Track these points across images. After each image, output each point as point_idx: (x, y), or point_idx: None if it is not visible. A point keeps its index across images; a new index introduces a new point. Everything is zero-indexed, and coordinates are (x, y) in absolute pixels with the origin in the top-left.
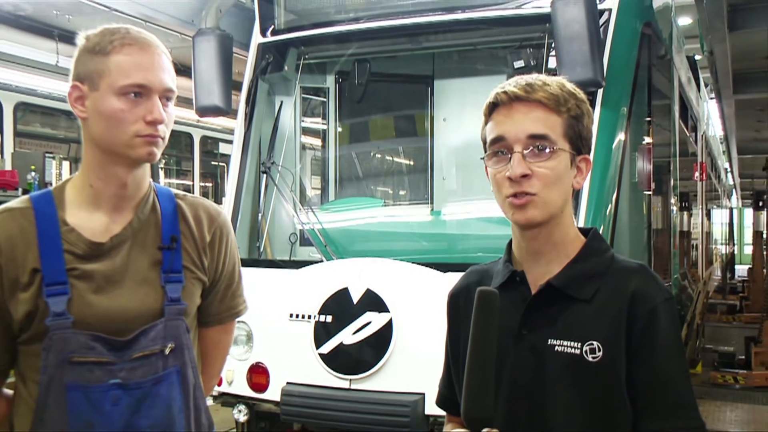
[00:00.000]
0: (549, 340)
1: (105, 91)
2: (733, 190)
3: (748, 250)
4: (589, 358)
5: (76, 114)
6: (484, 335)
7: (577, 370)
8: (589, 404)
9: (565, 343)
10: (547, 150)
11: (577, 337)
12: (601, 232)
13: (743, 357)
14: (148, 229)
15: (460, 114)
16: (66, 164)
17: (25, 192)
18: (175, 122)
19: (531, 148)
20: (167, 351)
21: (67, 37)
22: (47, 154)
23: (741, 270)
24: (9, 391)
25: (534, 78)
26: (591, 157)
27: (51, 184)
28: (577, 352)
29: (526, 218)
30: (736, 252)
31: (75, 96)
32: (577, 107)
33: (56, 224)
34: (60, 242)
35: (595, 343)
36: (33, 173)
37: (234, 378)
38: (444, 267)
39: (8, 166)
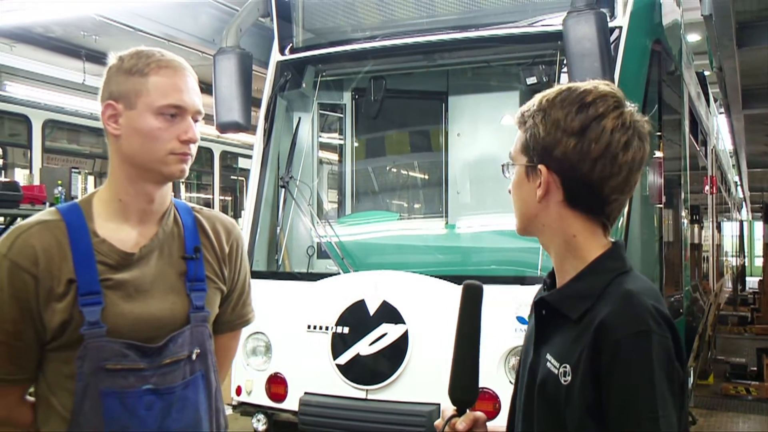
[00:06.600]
0: (547, 354)
1: (142, 110)
2: (743, 203)
3: (759, 262)
4: (562, 380)
5: (109, 131)
6: (468, 325)
7: (553, 389)
8: (559, 425)
9: (552, 360)
10: (507, 165)
11: (559, 356)
12: None
13: (755, 368)
14: (173, 241)
15: (474, 129)
16: (91, 179)
17: (52, 206)
18: None
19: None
20: (194, 356)
21: (93, 56)
22: (73, 169)
23: (752, 282)
24: (31, 399)
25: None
26: None
27: (77, 198)
28: (555, 372)
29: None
30: (746, 264)
31: (108, 114)
32: (532, 119)
33: (88, 236)
34: (92, 253)
35: (567, 366)
36: (60, 188)
37: (253, 388)
38: (458, 279)
39: (36, 181)
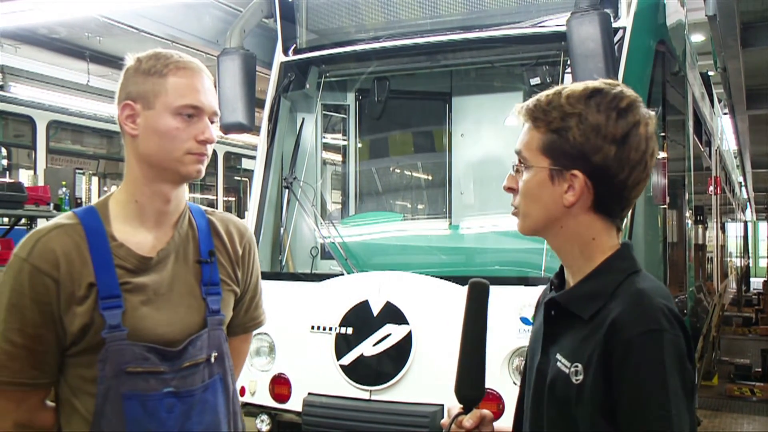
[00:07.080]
0: (557, 354)
1: (161, 110)
2: (748, 204)
3: (763, 263)
4: (573, 379)
5: (126, 131)
6: (475, 323)
7: (564, 389)
8: (570, 425)
9: (563, 360)
10: (520, 165)
11: (570, 356)
12: None
13: (759, 369)
14: (188, 244)
15: (477, 130)
16: (95, 180)
17: (56, 207)
18: None
19: (516, 163)
20: (212, 359)
21: (98, 57)
22: (77, 170)
23: (756, 283)
24: (52, 404)
25: (550, 90)
26: None
27: (81, 199)
28: (567, 371)
29: (517, 228)
30: (751, 265)
31: (126, 114)
32: (560, 120)
33: (106, 239)
34: (111, 257)
35: (579, 365)
36: (64, 188)
37: (257, 388)
38: (462, 280)
39: (41, 182)
